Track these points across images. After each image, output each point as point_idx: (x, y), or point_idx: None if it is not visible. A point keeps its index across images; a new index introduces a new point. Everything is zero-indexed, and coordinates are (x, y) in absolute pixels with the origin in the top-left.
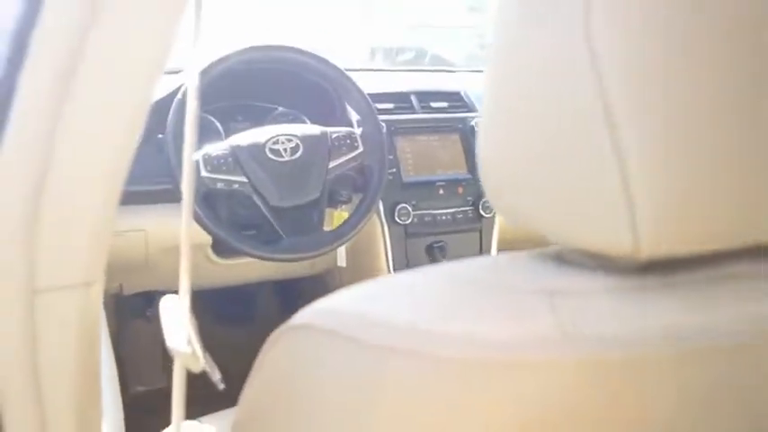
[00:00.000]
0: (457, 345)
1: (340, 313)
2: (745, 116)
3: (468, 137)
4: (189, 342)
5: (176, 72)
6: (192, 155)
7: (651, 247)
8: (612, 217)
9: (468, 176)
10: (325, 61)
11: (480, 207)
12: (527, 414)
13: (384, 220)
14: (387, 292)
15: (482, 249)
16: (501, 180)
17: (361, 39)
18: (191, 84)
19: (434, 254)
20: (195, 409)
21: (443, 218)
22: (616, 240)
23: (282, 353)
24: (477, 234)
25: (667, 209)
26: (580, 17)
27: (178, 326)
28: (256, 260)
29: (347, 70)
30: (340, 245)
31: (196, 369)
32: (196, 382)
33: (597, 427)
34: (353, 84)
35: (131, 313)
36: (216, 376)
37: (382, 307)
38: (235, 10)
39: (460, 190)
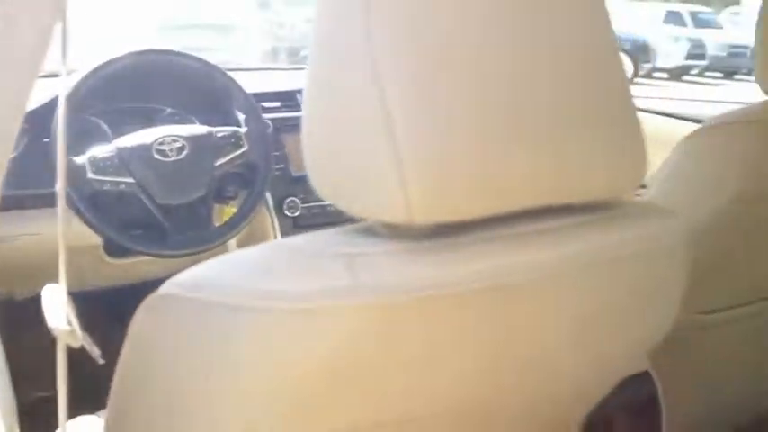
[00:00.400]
0: (270, 299)
1: (190, 281)
2: (505, 95)
3: None
4: (68, 321)
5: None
6: (63, 157)
7: (423, 216)
8: (389, 191)
9: None
10: (207, 64)
11: None
12: (323, 353)
13: (273, 213)
14: (232, 261)
15: None
16: (314, 162)
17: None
18: (61, 89)
19: None
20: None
21: (330, 209)
22: (394, 212)
23: (145, 321)
24: None
25: (435, 182)
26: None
27: (58, 307)
28: (149, 258)
29: (234, 70)
30: (229, 238)
31: (75, 344)
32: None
33: (381, 360)
34: (236, 84)
35: (26, 318)
36: (95, 352)
37: (225, 273)
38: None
39: None
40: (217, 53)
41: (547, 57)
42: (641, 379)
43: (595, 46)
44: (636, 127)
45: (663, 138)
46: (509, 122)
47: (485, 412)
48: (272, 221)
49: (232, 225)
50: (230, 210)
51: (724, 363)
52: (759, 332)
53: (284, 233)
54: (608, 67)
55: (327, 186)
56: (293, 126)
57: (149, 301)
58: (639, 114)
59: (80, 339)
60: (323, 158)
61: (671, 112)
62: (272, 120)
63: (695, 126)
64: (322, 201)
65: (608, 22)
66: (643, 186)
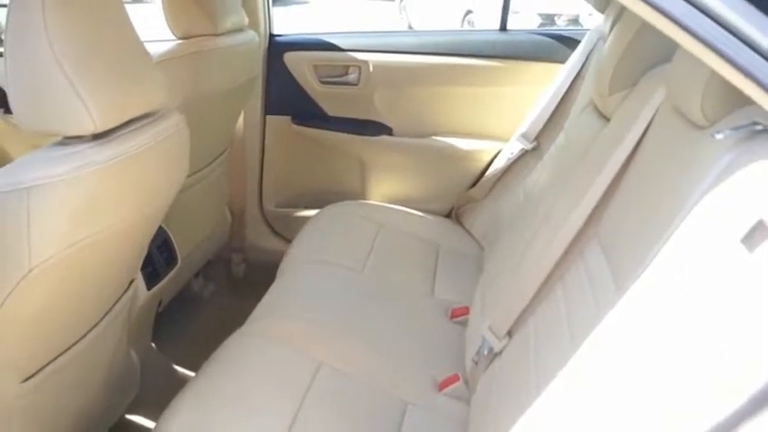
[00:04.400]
0: (40, 179)
1: None
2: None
3: None
4: None
5: None
6: None
7: (104, 124)
8: (76, 112)
9: None
10: None
11: None
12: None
13: None
14: None
15: None
16: (21, 101)
17: None
18: None
19: None
20: None
21: None
22: (81, 126)
23: None
24: None
25: (102, 98)
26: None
27: None
28: None
29: None
30: None
31: None
32: None
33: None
34: None
35: None
36: None
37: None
38: None
39: None
40: None
41: None
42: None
43: None
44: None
45: None
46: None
47: (126, 233)
48: None
49: None
50: None
51: (199, 206)
52: None
53: None
54: None
55: (28, 116)
56: None
57: None
58: None
59: None
60: (37, 101)
61: None
62: None
63: None
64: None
65: None
66: None
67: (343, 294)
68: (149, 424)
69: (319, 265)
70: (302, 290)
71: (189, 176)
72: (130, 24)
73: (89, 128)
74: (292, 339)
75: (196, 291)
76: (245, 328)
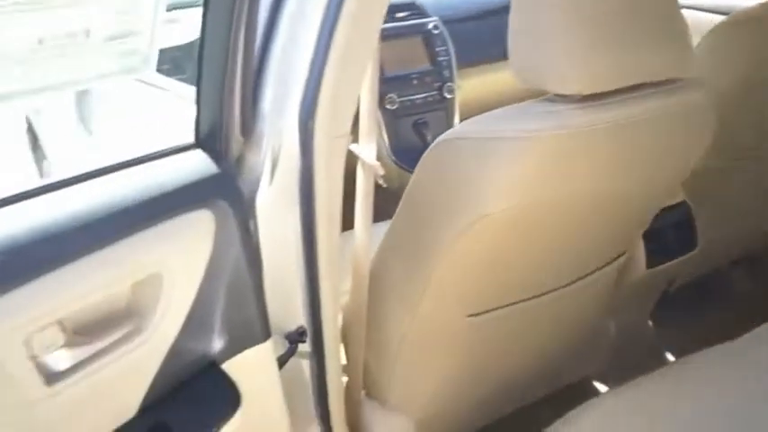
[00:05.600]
0: (510, 131)
1: (460, 130)
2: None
3: (426, 37)
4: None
5: None
6: None
7: (592, 86)
8: (565, 71)
9: (432, 68)
10: None
11: (444, 90)
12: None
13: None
14: (485, 117)
15: (448, 121)
16: (517, 53)
17: None
18: None
19: (419, 129)
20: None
21: (419, 101)
22: (568, 86)
23: (429, 157)
24: (444, 111)
25: (594, 60)
26: None
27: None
28: None
29: None
30: None
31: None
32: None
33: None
34: None
35: None
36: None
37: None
38: None
39: (428, 79)
40: None
41: None
42: (679, 205)
43: None
44: (683, 24)
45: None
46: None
47: (597, 202)
48: (377, 115)
49: None
50: None
51: (742, 193)
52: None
53: (388, 123)
54: None
55: (523, 70)
56: (382, 36)
57: (433, 146)
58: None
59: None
60: (528, 54)
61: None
62: None
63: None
64: (411, 95)
65: None
66: None
67: None
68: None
69: None
70: None
71: (735, 160)
72: None
73: (575, 88)
74: None
75: (727, 282)
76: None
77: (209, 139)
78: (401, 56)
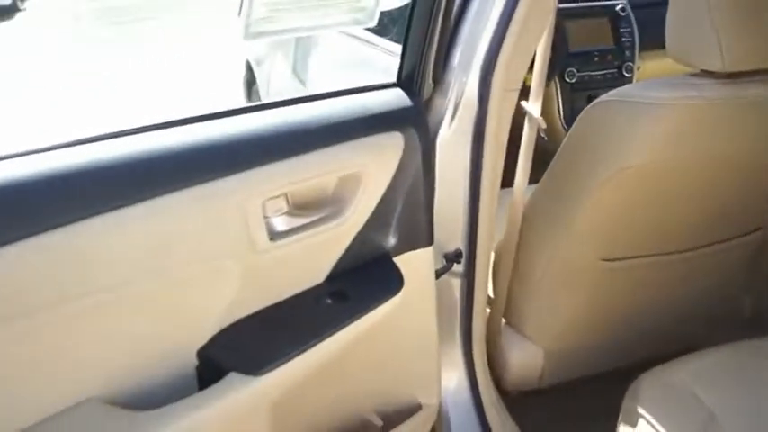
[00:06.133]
0: (658, 98)
1: (618, 93)
2: None
3: (613, 18)
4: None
5: None
6: None
7: (733, 65)
8: (709, 48)
9: (615, 47)
10: None
11: (623, 69)
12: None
13: (556, 79)
14: (643, 84)
15: None
16: (672, 33)
17: None
18: None
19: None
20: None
21: (597, 77)
22: (711, 62)
23: (586, 116)
24: None
25: (742, 38)
26: None
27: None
28: None
29: None
30: None
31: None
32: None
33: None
34: None
35: None
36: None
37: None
38: None
39: (609, 57)
40: None
41: None
42: None
43: None
44: None
45: None
46: None
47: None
48: (556, 86)
49: None
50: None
51: None
52: None
53: (564, 95)
54: None
55: (674, 47)
56: (573, 14)
57: (591, 105)
58: None
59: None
60: (679, 33)
61: None
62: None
63: None
64: (591, 72)
65: None
66: None
67: None
68: None
69: None
70: None
71: None
72: None
73: (718, 65)
74: None
75: None
76: None
77: (407, 80)
78: (587, 34)
